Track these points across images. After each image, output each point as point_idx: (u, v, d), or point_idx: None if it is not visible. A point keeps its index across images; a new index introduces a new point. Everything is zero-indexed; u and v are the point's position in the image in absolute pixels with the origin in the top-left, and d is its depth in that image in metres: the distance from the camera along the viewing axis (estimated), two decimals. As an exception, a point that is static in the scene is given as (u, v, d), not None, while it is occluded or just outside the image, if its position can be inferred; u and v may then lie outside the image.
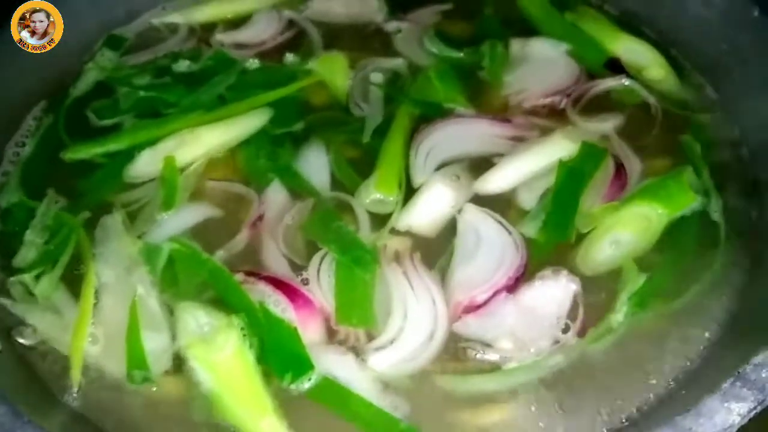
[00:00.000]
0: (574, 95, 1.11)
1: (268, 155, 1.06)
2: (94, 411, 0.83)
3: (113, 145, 1.09)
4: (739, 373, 0.70)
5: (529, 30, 1.25)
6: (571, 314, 0.86)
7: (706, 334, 0.85)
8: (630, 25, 1.24)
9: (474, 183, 1.00)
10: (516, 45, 1.21)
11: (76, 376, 0.85)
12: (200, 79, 1.18)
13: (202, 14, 1.34)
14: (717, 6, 1.14)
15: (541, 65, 1.17)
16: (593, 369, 0.83)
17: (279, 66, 1.22)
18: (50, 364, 0.87)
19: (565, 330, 0.85)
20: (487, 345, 0.84)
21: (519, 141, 1.05)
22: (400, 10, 1.31)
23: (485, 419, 0.81)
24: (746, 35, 1.09)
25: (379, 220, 0.97)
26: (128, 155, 1.07)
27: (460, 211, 0.96)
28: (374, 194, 0.99)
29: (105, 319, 0.88)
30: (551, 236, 0.93)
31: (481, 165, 1.03)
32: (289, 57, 1.23)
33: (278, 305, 0.86)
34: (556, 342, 0.84)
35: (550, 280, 0.87)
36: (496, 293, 0.86)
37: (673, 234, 0.94)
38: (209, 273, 0.91)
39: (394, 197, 0.98)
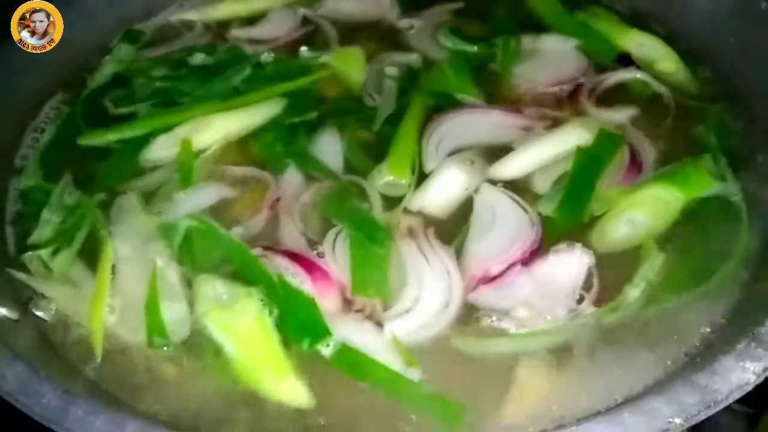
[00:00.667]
0: (588, 87, 1.13)
1: (283, 142, 1.08)
2: (110, 380, 0.84)
3: (128, 132, 1.11)
4: (753, 334, 0.71)
5: (540, 27, 1.28)
6: (586, 286, 0.87)
7: (723, 306, 0.85)
8: (639, 21, 1.26)
9: (488, 168, 1.01)
10: (527, 40, 1.24)
11: (97, 344, 0.85)
12: (215, 72, 1.21)
13: (218, 12, 1.38)
14: (727, 4, 1.17)
15: (550, 58, 1.20)
16: (610, 337, 0.83)
17: (293, 59, 1.25)
18: (64, 334, 0.88)
19: (580, 300, 0.85)
20: (502, 314, 0.85)
21: (530, 131, 1.07)
22: (412, 8, 1.34)
23: (500, 382, 0.81)
24: (754, 27, 1.11)
25: (392, 203, 0.98)
26: (143, 141, 1.09)
27: (476, 191, 0.97)
28: (387, 177, 1.00)
29: (122, 291, 0.89)
30: (566, 216, 0.94)
31: (492, 153, 1.04)
32: (304, 50, 1.26)
33: (296, 277, 0.87)
34: (572, 311, 0.84)
35: (565, 253, 0.88)
36: (511, 266, 0.87)
37: (694, 216, 0.95)
38: (227, 248, 0.92)
39: (406, 180, 1.00)
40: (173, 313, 0.86)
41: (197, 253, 0.93)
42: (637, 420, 0.65)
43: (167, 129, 1.10)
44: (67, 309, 0.90)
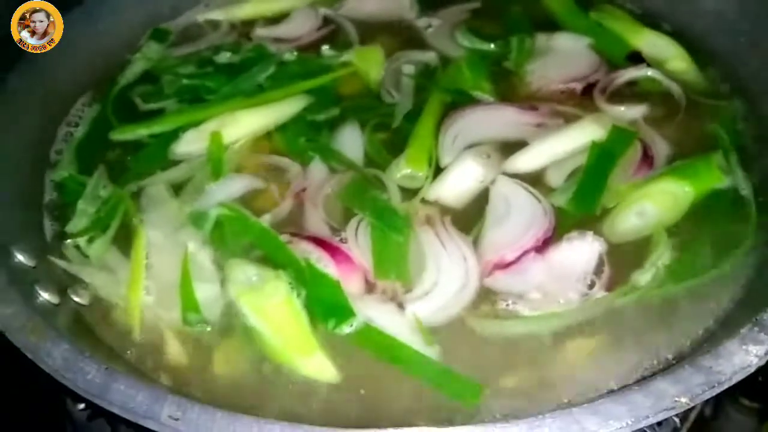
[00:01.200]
0: (601, 85, 1.17)
1: (307, 137, 1.13)
2: (145, 360, 0.89)
3: (158, 127, 1.16)
4: (757, 319, 0.74)
5: (554, 26, 1.31)
6: (597, 272, 0.91)
7: (730, 294, 0.89)
8: (651, 21, 1.29)
9: (504, 162, 1.05)
10: (541, 38, 1.28)
11: (135, 322, 0.90)
12: (240, 70, 1.26)
13: (243, 11, 1.42)
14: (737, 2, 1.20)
15: (563, 56, 1.24)
16: (621, 321, 0.88)
17: (316, 57, 1.29)
18: (101, 318, 0.93)
19: (591, 285, 0.90)
20: (517, 297, 0.89)
21: (543, 127, 1.10)
22: (430, 8, 1.38)
23: (515, 361, 0.85)
24: (762, 26, 1.15)
25: (410, 194, 1.02)
26: (172, 135, 1.14)
27: (492, 182, 1.01)
28: (405, 169, 1.05)
29: (156, 275, 0.94)
30: (579, 207, 0.98)
31: (507, 148, 1.08)
32: (326, 49, 1.30)
33: (320, 261, 0.92)
34: (584, 295, 0.89)
35: (577, 240, 0.93)
36: (525, 253, 0.91)
37: (705, 211, 0.98)
38: (256, 234, 0.97)
39: (423, 173, 1.04)
40: (205, 294, 0.91)
41: (228, 238, 0.97)
42: (645, 399, 0.68)
43: (195, 124, 1.14)
44: (105, 292, 0.94)
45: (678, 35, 1.25)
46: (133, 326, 0.90)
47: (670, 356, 0.83)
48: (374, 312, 0.88)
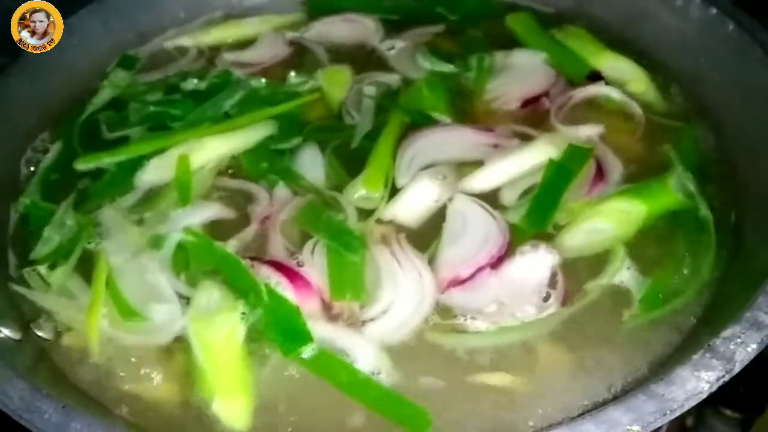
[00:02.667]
0: (558, 104, 1.17)
1: (269, 161, 1.13)
2: (108, 393, 0.88)
3: (122, 155, 1.15)
4: (709, 345, 0.74)
5: (516, 46, 1.32)
6: (552, 284, 0.92)
7: (690, 319, 0.89)
8: (612, 42, 1.29)
9: (459, 182, 1.05)
10: (500, 56, 1.29)
11: (94, 348, 0.91)
12: (207, 96, 1.25)
13: (210, 37, 1.42)
14: (694, 22, 1.21)
15: (520, 72, 1.25)
16: (579, 337, 0.88)
17: (282, 84, 1.28)
18: (65, 355, 0.92)
19: (547, 298, 0.91)
20: (474, 312, 0.90)
21: (500, 148, 1.11)
22: (395, 32, 1.39)
23: (472, 376, 0.86)
24: (723, 48, 1.15)
25: (367, 215, 1.03)
26: (137, 163, 1.13)
27: (450, 199, 1.02)
28: (360, 191, 1.05)
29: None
30: (532, 224, 0.98)
31: (464, 169, 1.08)
32: (293, 76, 1.29)
33: (279, 285, 0.92)
34: (540, 308, 0.89)
35: (530, 254, 0.94)
36: (479, 269, 0.92)
37: (662, 231, 0.99)
38: (219, 259, 0.97)
39: (379, 194, 1.05)
40: (160, 315, 0.92)
41: (192, 263, 0.97)
42: (596, 428, 0.69)
43: (160, 152, 1.14)
44: (66, 319, 0.94)
45: (639, 56, 1.26)
46: (91, 349, 0.90)
47: (625, 383, 0.83)
48: (332, 334, 0.89)
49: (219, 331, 0.88)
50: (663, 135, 1.13)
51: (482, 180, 1.05)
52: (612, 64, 1.25)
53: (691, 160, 1.07)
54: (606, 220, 0.98)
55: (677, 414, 0.70)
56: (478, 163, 1.07)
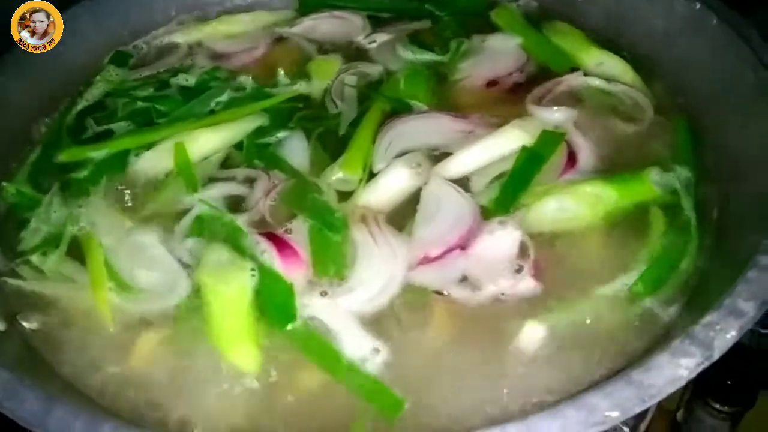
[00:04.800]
0: (539, 91, 1.16)
1: (257, 150, 1.14)
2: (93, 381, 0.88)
3: (105, 149, 1.14)
4: (688, 332, 0.73)
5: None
6: (523, 256, 0.92)
7: (669, 309, 0.88)
8: (597, 38, 1.28)
9: (433, 168, 1.05)
10: (476, 39, 1.30)
11: (108, 319, 0.92)
12: (196, 93, 1.25)
13: (201, 34, 1.41)
14: (678, 17, 1.19)
15: (492, 54, 1.26)
16: (558, 334, 0.87)
17: (270, 83, 1.27)
18: (52, 346, 0.92)
19: (519, 270, 0.91)
20: (446, 287, 0.91)
21: (474, 135, 1.10)
22: (381, 27, 1.39)
23: (443, 354, 0.87)
24: (707, 44, 1.14)
25: (346, 197, 1.04)
26: (121, 156, 1.13)
27: (425, 184, 1.03)
28: (338, 173, 1.06)
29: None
30: (499, 206, 0.99)
31: (438, 155, 1.08)
32: (282, 75, 1.28)
33: (265, 253, 0.95)
34: (513, 280, 0.90)
35: (497, 230, 0.94)
36: (449, 249, 0.93)
37: (642, 224, 0.97)
38: (230, 230, 0.99)
39: (357, 177, 1.05)
40: (150, 280, 0.95)
41: (205, 233, 0.99)
42: (577, 413, 0.68)
43: (145, 147, 1.13)
44: (70, 301, 0.95)
45: (626, 52, 1.24)
46: (106, 322, 0.91)
47: (605, 370, 0.82)
48: (314, 306, 0.91)
49: (230, 285, 0.90)
50: (648, 130, 1.11)
51: (453, 167, 1.05)
52: (598, 59, 1.23)
53: (677, 155, 1.06)
54: (573, 199, 0.98)
55: (656, 400, 0.68)
56: (452, 149, 1.08)
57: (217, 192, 1.07)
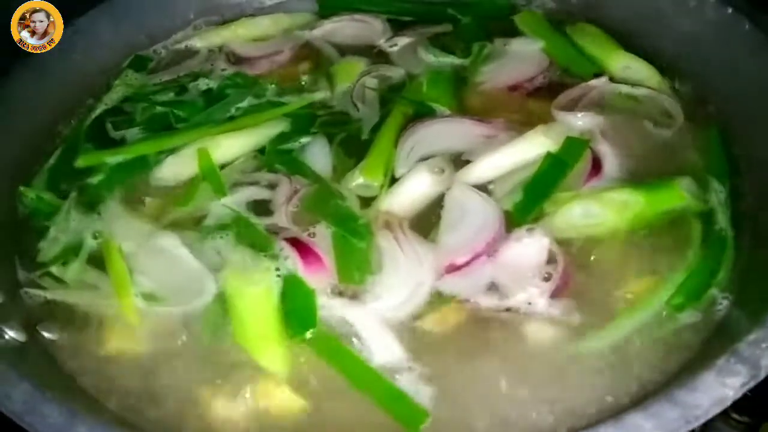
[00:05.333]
0: (564, 98, 1.13)
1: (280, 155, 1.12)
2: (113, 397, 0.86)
3: (122, 155, 1.13)
4: (733, 350, 0.70)
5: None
6: (551, 263, 0.90)
7: (707, 325, 0.85)
8: (625, 42, 1.25)
9: (456, 174, 1.03)
10: (498, 43, 1.27)
11: (135, 323, 0.91)
12: (217, 97, 1.23)
13: (220, 38, 1.39)
14: (709, 22, 1.16)
15: (515, 58, 1.24)
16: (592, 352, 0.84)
17: (294, 88, 1.25)
18: (71, 354, 0.90)
19: (548, 278, 0.89)
20: (473, 296, 0.89)
21: (498, 140, 1.08)
22: (401, 30, 1.36)
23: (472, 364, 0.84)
24: (738, 48, 1.10)
25: (368, 203, 1.02)
26: (141, 162, 1.12)
27: (448, 189, 1.01)
28: (359, 179, 1.04)
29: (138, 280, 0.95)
30: (521, 212, 0.97)
31: (461, 160, 1.06)
32: (305, 78, 1.26)
33: (288, 259, 0.94)
34: (542, 289, 0.88)
35: (525, 238, 0.92)
36: (476, 256, 0.91)
37: (677, 234, 0.95)
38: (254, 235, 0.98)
39: (378, 182, 1.03)
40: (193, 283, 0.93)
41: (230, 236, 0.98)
42: (618, 435, 0.65)
43: (165, 152, 1.12)
44: (95, 308, 0.93)
45: (653, 57, 1.21)
46: (134, 326, 0.90)
47: (642, 388, 0.79)
48: (339, 311, 0.89)
49: (256, 286, 0.90)
50: (678, 137, 1.08)
51: (477, 172, 1.03)
52: (625, 62, 1.20)
53: (710, 165, 1.03)
54: (599, 205, 0.96)
55: (701, 421, 0.66)
56: (476, 155, 1.05)
57: (241, 196, 1.05)
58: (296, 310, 0.89)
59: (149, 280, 0.94)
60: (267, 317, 0.88)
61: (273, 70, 1.30)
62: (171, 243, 0.97)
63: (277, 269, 0.91)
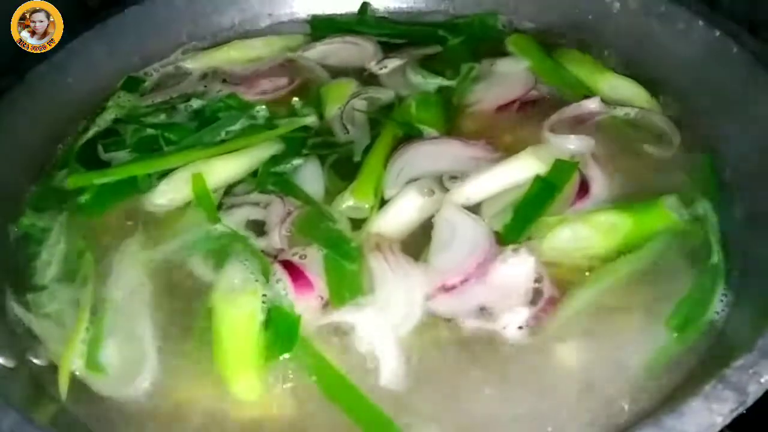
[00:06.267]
0: (554, 119, 1.13)
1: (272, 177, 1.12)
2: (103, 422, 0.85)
3: (111, 177, 1.13)
4: (721, 376, 0.70)
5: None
6: (539, 282, 0.91)
7: (695, 350, 0.85)
8: (614, 65, 1.26)
9: (445, 195, 1.03)
10: (485, 63, 1.28)
11: (63, 384, 0.87)
12: (208, 121, 1.22)
13: (213, 60, 1.39)
14: (697, 44, 1.16)
15: (501, 79, 1.25)
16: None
17: (284, 111, 1.25)
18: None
19: (534, 301, 0.89)
20: (464, 317, 0.89)
21: (487, 161, 1.09)
22: (392, 52, 1.36)
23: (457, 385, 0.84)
24: (726, 71, 1.10)
25: (359, 225, 1.02)
26: (129, 184, 1.12)
27: (437, 211, 1.00)
28: (349, 201, 1.05)
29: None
30: (511, 233, 0.97)
31: (450, 182, 1.06)
32: (296, 101, 1.27)
33: (279, 282, 0.93)
34: (530, 310, 0.88)
35: (510, 258, 0.92)
36: (466, 278, 0.91)
37: (664, 257, 0.94)
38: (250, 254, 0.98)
39: (369, 204, 1.04)
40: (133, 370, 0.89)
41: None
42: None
43: (156, 175, 1.12)
44: (52, 348, 0.91)
45: (641, 79, 1.21)
46: (61, 385, 0.87)
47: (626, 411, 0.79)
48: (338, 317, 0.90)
49: (240, 309, 0.89)
50: (669, 160, 1.08)
51: (468, 193, 1.03)
52: (613, 83, 1.21)
53: (700, 189, 1.02)
54: (587, 227, 0.96)
55: (689, 449, 0.66)
56: (464, 177, 1.05)
57: (235, 218, 1.05)
58: (279, 334, 0.88)
59: (111, 343, 0.91)
60: (246, 342, 0.88)
61: (266, 92, 1.30)
62: (141, 310, 0.94)
63: (264, 295, 0.91)
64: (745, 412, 0.69)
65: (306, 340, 0.88)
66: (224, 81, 1.34)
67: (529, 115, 1.18)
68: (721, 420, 0.67)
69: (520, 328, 0.87)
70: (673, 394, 0.78)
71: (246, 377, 0.85)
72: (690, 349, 0.85)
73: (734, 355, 0.72)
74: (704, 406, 0.68)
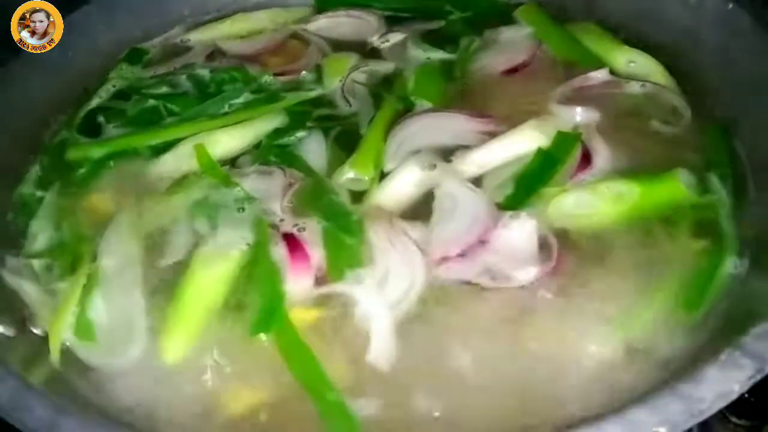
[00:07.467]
0: (562, 90, 1.11)
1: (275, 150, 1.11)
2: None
3: (109, 148, 1.12)
4: (738, 343, 0.68)
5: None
6: (544, 246, 0.90)
7: (710, 318, 0.83)
8: (625, 39, 1.23)
9: (446, 167, 1.02)
10: (490, 33, 1.27)
11: (54, 352, 0.86)
12: (212, 92, 1.21)
13: (217, 32, 1.37)
14: (710, 17, 1.14)
15: (505, 46, 1.23)
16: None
17: (291, 85, 1.24)
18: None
19: (545, 259, 0.88)
20: (472, 280, 0.88)
21: (491, 135, 1.07)
22: (395, 26, 1.35)
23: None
24: (739, 44, 1.08)
25: (359, 197, 1.01)
26: (129, 155, 1.11)
27: (438, 183, 0.99)
28: (348, 173, 1.03)
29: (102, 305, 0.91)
30: (512, 204, 0.96)
31: (450, 154, 1.05)
32: (305, 74, 1.25)
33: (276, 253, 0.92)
34: (541, 269, 0.87)
35: (512, 222, 0.91)
36: (469, 246, 0.90)
37: (677, 230, 0.93)
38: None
39: (368, 176, 1.02)
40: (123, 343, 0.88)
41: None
42: (623, 429, 0.63)
43: (158, 148, 1.11)
44: (42, 316, 0.90)
45: (654, 54, 1.19)
46: (52, 356, 0.86)
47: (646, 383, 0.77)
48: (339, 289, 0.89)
49: (211, 271, 0.89)
50: (680, 134, 1.06)
51: (469, 165, 1.02)
52: (629, 57, 1.18)
53: (712, 162, 1.01)
54: (592, 196, 0.95)
55: (707, 415, 0.64)
56: (465, 148, 1.04)
57: (247, 186, 1.03)
58: (262, 310, 0.87)
59: (102, 310, 0.90)
60: (198, 305, 0.87)
61: (265, 60, 1.29)
62: (135, 284, 0.92)
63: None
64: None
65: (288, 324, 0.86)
66: (227, 54, 1.32)
67: (535, 79, 1.16)
68: (739, 387, 0.66)
69: (523, 287, 0.87)
70: (690, 362, 0.76)
71: (177, 337, 0.85)
72: (704, 318, 0.83)
73: (751, 323, 0.71)
74: (721, 374, 0.67)
